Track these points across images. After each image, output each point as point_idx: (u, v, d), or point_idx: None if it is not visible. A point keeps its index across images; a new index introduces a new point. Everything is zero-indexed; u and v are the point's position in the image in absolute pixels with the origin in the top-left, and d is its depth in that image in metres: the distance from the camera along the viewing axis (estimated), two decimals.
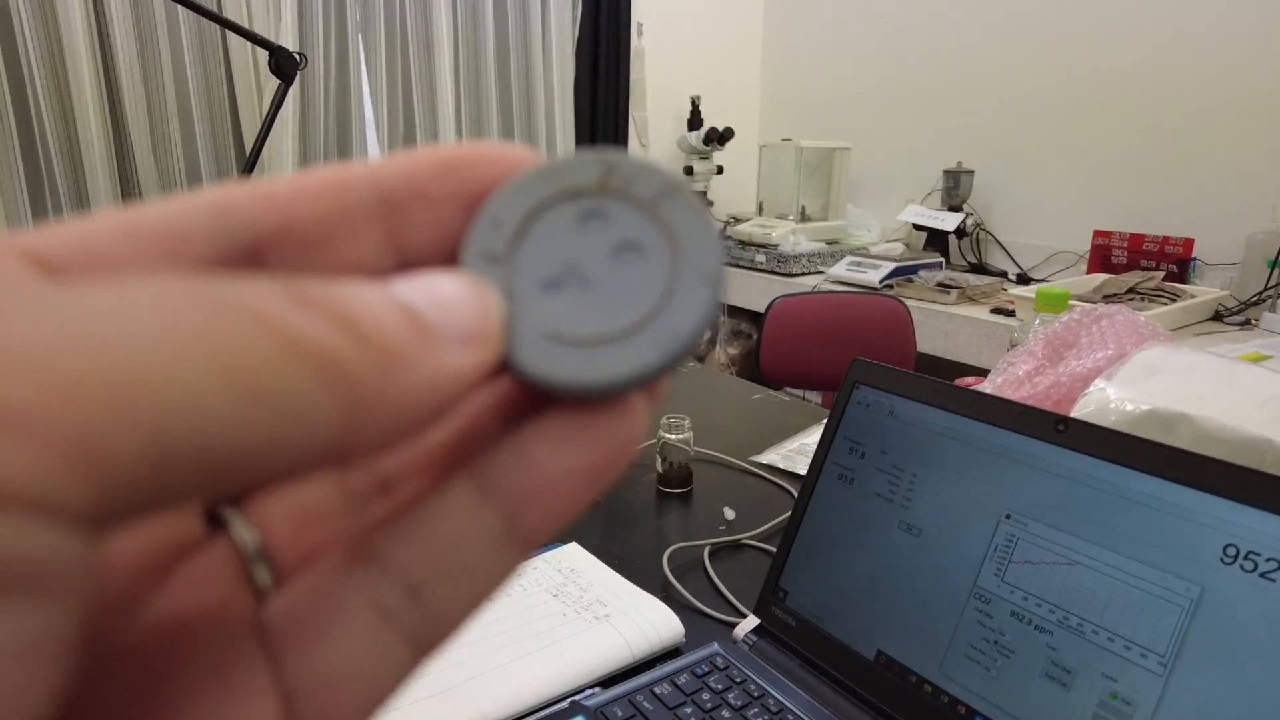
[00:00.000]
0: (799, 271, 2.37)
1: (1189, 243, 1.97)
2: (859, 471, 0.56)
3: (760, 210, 2.73)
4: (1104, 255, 2.12)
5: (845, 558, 0.55)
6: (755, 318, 2.76)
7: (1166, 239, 2.00)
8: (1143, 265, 2.04)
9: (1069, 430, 0.47)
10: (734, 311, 2.67)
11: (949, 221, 2.38)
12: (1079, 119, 2.23)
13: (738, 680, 0.53)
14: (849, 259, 2.26)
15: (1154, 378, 0.54)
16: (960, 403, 0.52)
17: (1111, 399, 0.54)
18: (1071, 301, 0.83)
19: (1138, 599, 0.41)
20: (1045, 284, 2.10)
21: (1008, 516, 0.48)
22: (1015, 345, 0.81)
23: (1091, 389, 0.55)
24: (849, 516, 0.56)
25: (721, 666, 0.55)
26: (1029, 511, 0.47)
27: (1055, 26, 2.24)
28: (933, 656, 0.49)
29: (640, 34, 2.72)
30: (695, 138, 2.73)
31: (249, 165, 1.61)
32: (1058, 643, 0.44)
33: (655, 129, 2.86)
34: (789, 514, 0.80)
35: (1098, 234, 2.13)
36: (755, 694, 0.52)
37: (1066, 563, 0.44)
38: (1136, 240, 2.05)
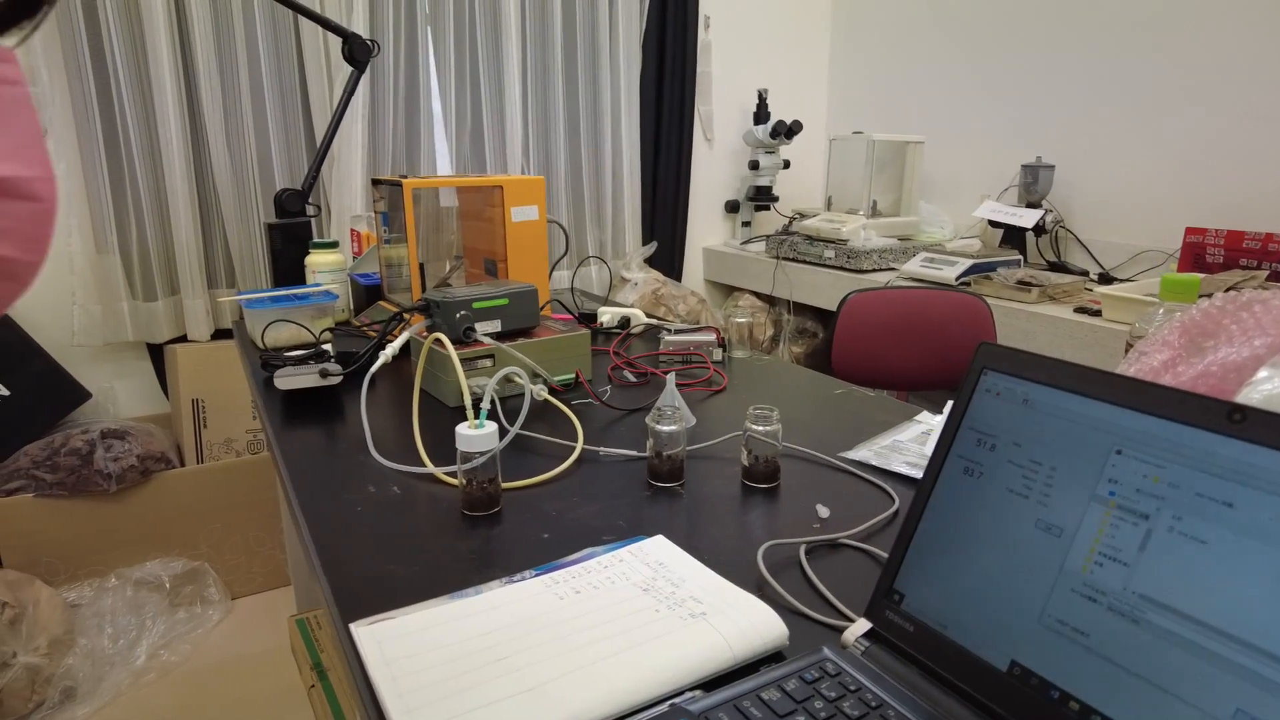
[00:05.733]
0: (870, 268, 2.30)
1: None
2: (988, 465, 0.51)
3: (829, 206, 2.66)
4: (1197, 254, 2.01)
5: (973, 559, 0.50)
6: (822, 315, 2.69)
7: (1270, 235, 1.88)
8: (1242, 265, 1.92)
9: (1246, 420, 0.41)
10: (799, 309, 2.60)
11: (1027, 218, 2.28)
12: (1169, 107, 2.11)
13: (852, 689, 0.49)
14: (923, 255, 2.19)
15: None
16: (1110, 389, 0.47)
17: None
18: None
19: None
20: (1125, 282, 2.00)
21: (1172, 518, 0.42)
22: (1137, 339, 0.74)
23: (1258, 378, 0.49)
24: (977, 514, 0.51)
25: (833, 673, 0.50)
26: (1195, 512, 0.41)
27: (1139, 7, 2.13)
28: (1078, 670, 0.43)
29: (707, 27, 2.69)
30: (762, 131, 2.67)
31: (321, 155, 1.61)
32: (1228, 668, 0.38)
33: (721, 122, 2.81)
34: (893, 512, 0.76)
35: (1190, 231, 2.01)
36: (873, 704, 0.48)
37: (1244, 575, 0.39)
38: (1235, 238, 1.94)
